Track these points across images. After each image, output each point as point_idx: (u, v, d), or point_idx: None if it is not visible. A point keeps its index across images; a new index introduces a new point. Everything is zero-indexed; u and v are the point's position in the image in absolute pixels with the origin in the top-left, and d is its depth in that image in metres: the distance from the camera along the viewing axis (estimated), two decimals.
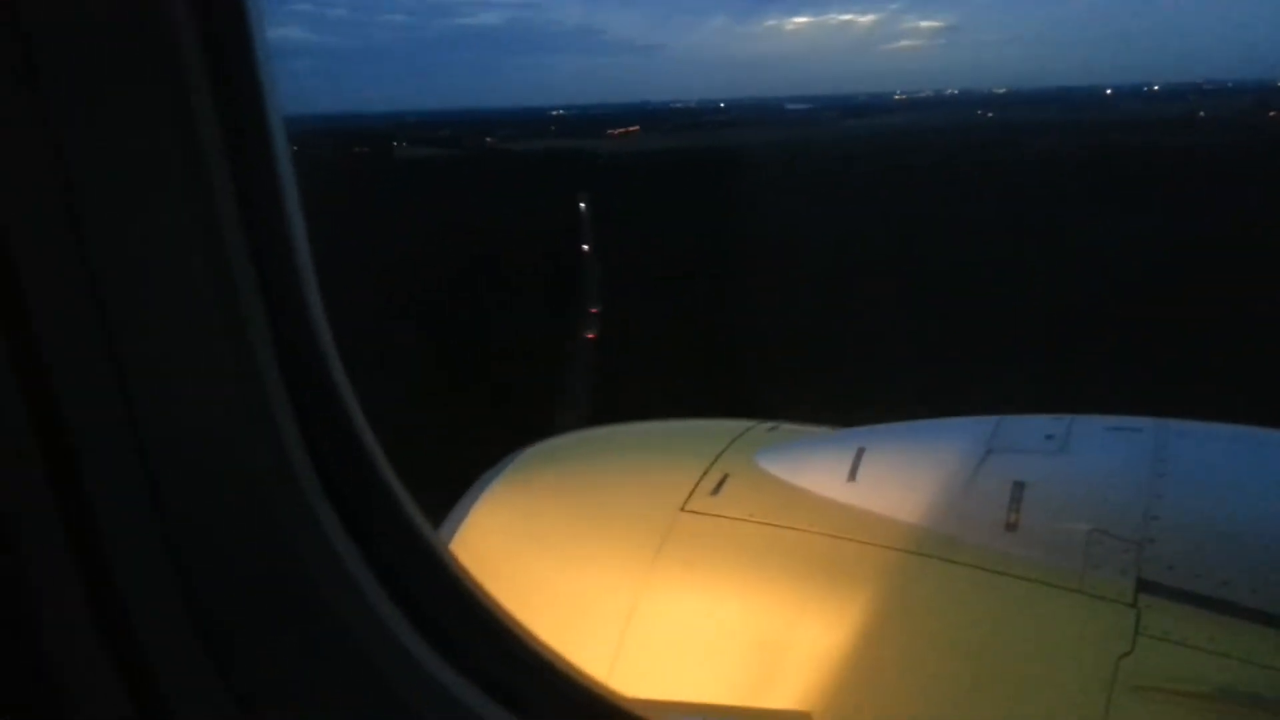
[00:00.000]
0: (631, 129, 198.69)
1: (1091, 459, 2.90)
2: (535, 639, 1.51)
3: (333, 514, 1.27)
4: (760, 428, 3.68)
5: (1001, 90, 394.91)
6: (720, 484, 3.15)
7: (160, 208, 1.10)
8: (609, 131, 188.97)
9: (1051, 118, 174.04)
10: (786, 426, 3.75)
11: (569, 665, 1.55)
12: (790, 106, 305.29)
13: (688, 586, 2.92)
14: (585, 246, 54.96)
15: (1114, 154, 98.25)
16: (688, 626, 2.87)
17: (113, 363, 1.11)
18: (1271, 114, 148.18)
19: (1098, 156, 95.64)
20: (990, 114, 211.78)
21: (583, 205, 69.55)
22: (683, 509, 3.08)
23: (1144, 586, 2.47)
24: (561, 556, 3.18)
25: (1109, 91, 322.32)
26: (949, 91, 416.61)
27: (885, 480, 3.00)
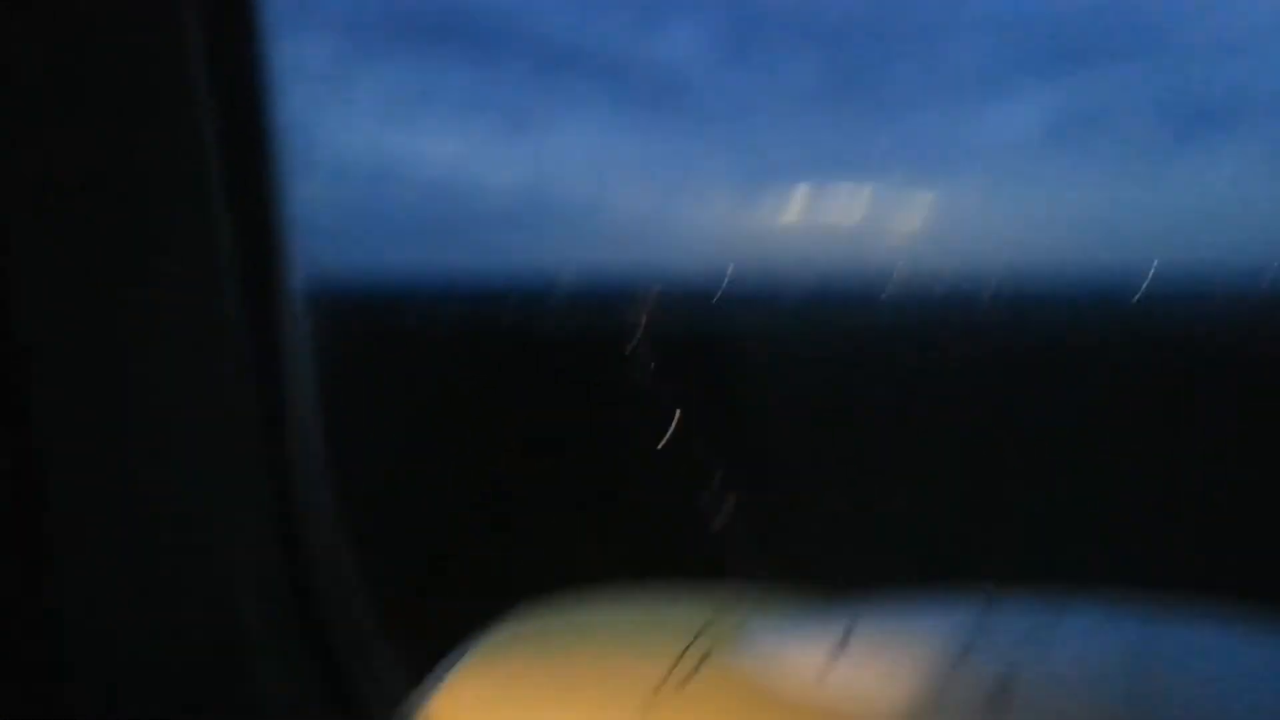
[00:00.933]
0: (644, 302, 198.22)
1: (1081, 649, 2.88)
2: None
3: (315, 683, 1.30)
4: (749, 595, 3.68)
5: (997, 272, 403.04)
6: (704, 659, 3.08)
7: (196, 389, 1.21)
8: (620, 305, 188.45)
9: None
10: (775, 593, 3.74)
11: None
12: (792, 288, 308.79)
13: None
14: None
15: None
16: None
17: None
18: None
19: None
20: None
21: None
22: (664, 686, 2.98)
23: None
24: None
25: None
26: (944, 273, 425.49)
27: (871, 662, 2.97)
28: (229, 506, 1.21)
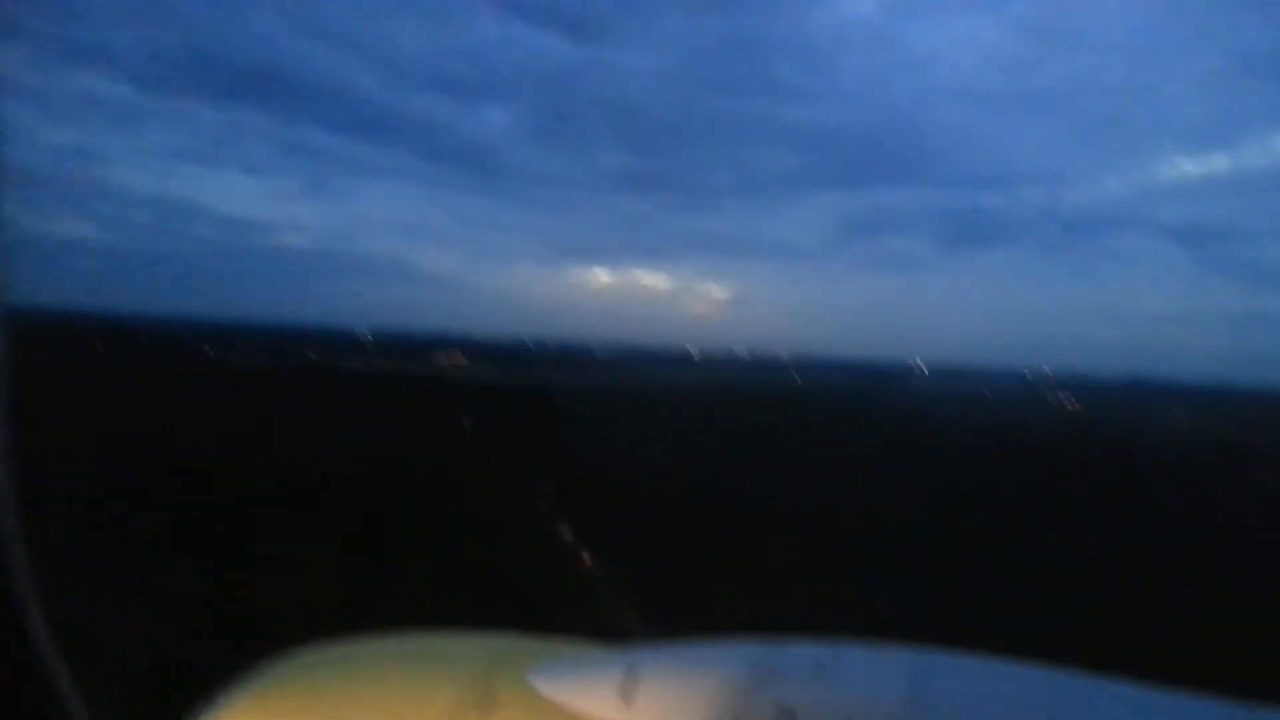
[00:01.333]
0: (456, 357, 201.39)
1: (856, 687, 2.97)
2: None
3: None
4: (532, 643, 3.60)
5: (785, 356, 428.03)
6: (489, 705, 3.03)
7: None
8: (438, 358, 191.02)
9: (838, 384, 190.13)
10: (558, 642, 3.67)
11: None
12: (599, 353, 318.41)
13: None
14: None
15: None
16: None
17: None
18: (1049, 397, 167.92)
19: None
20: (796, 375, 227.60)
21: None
22: None
23: None
24: None
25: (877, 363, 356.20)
26: (738, 352, 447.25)
27: (659, 704, 2.97)
28: None
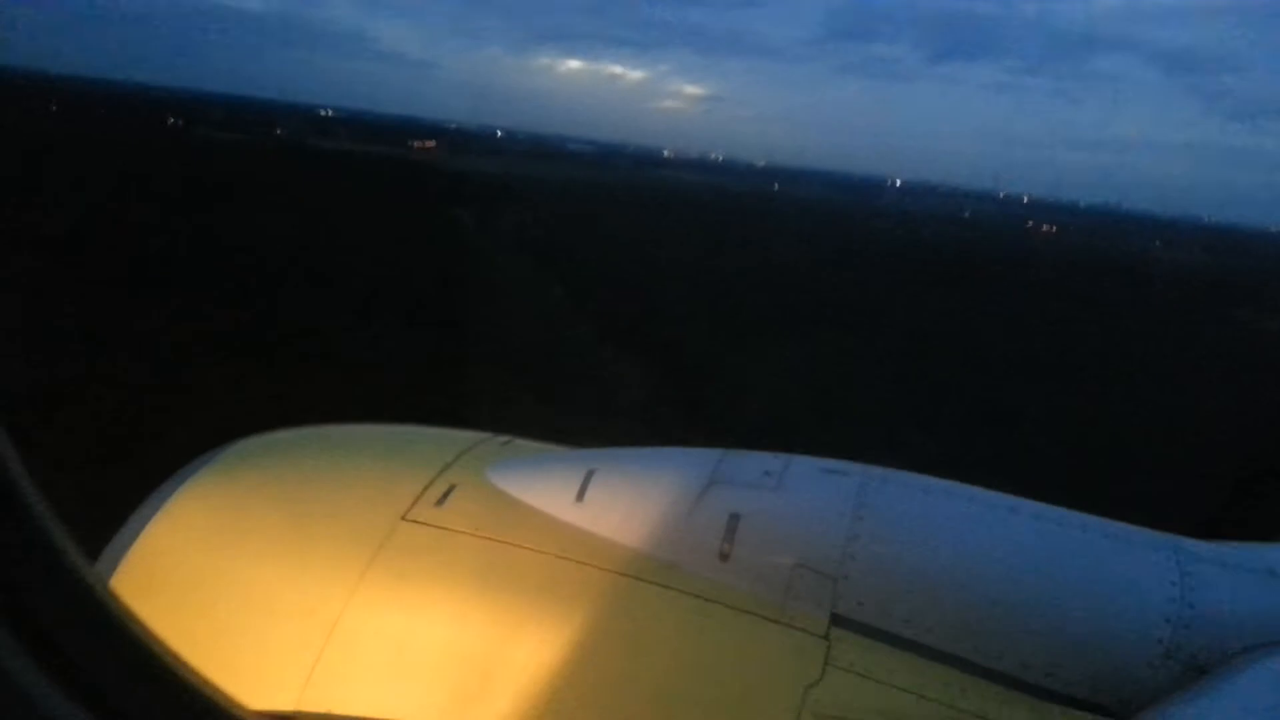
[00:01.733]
0: (429, 143, 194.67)
1: (802, 497, 3.00)
2: (208, 688, 1.45)
3: None
4: (494, 441, 3.59)
5: (761, 163, 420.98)
6: (446, 495, 3.06)
7: None
8: (412, 143, 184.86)
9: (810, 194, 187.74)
10: (520, 442, 3.68)
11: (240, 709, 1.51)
12: (572, 147, 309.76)
13: (401, 598, 2.81)
14: None
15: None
16: (396, 640, 2.77)
17: None
18: (1029, 224, 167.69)
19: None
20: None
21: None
22: (404, 518, 2.95)
23: (836, 620, 2.66)
24: (265, 560, 2.91)
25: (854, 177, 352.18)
26: (713, 156, 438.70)
27: (611, 504, 3.02)
28: None
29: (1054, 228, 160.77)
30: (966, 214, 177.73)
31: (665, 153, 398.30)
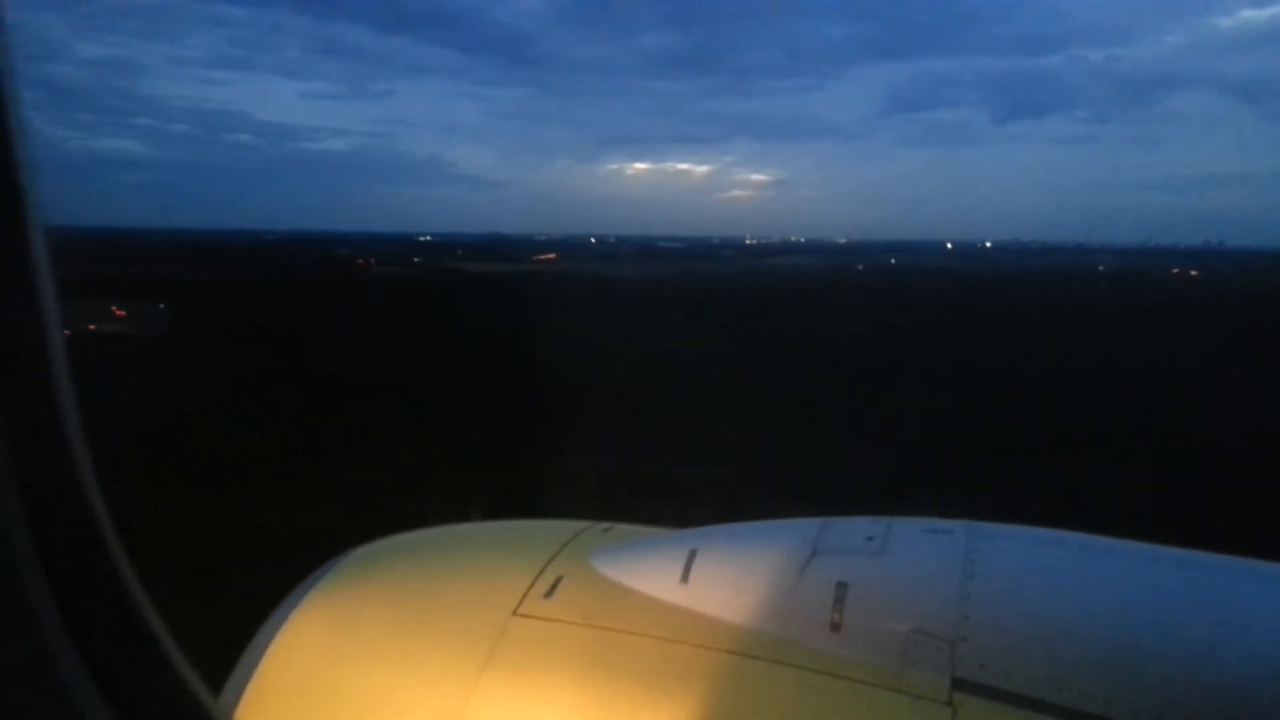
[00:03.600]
0: (550, 255, 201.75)
1: (909, 560, 2.98)
2: None
3: (101, 705, 1.15)
4: (595, 528, 3.66)
5: (843, 240, 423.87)
6: (554, 587, 3.11)
7: None
8: (535, 257, 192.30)
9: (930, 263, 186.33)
10: (622, 527, 3.73)
11: None
12: (663, 245, 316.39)
13: (519, 692, 2.84)
14: None
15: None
16: None
17: None
18: (1174, 271, 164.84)
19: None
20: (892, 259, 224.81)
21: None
22: (515, 613, 3.02)
23: (958, 685, 2.58)
24: (386, 665, 3.00)
25: (949, 245, 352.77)
26: (794, 239, 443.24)
27: (716, 582, 3.02)
28: None
29: (1196, 272, 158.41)
30: (1101, 268, 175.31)
31: (747, 239, 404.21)
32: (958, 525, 3.14)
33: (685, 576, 3.04)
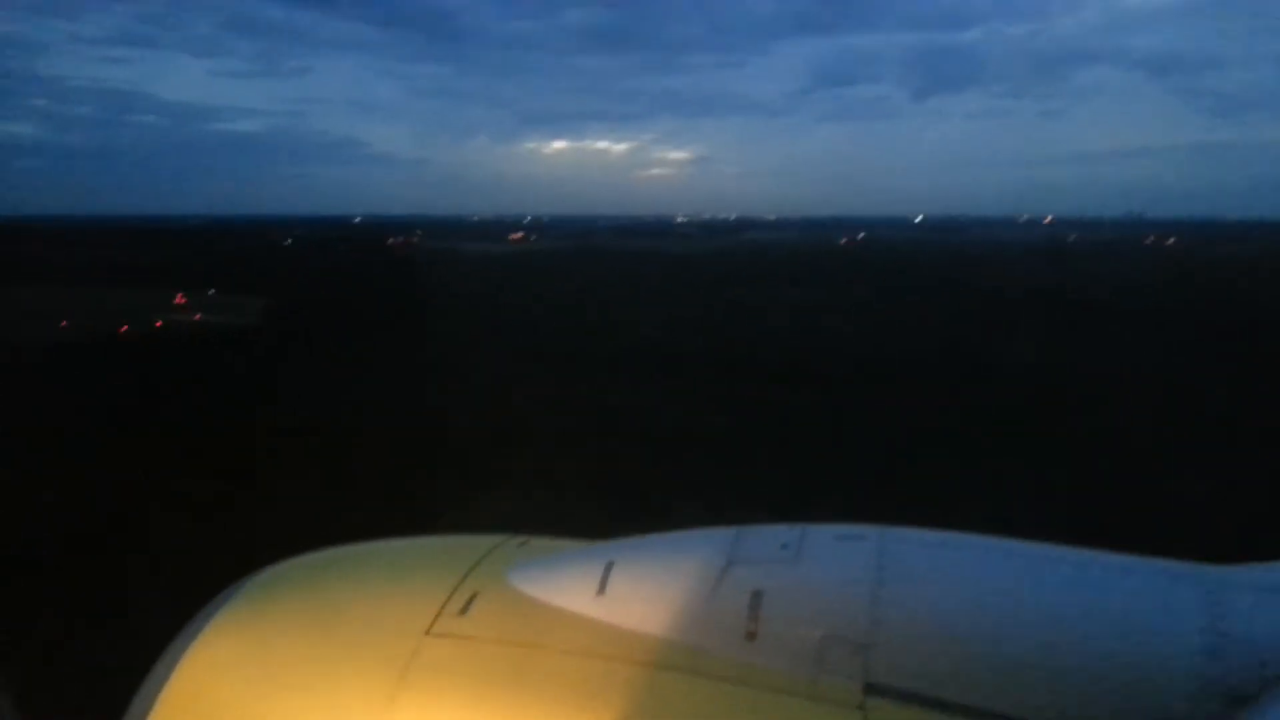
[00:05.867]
0: (518, 235, 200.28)
1: (822, 566, 2.99)
2: None
3: None
4: (511, 542, 3.60)
5: (772, 217, 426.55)
6: (469, 604, 3.09)
7: None
8: (510, 236, 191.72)
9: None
10: (537, 540, 3.66)
11: None
12: (603, 224, 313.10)
13: (434, 714, 2.80)
14: None
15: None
16: None
17: None
18: (1149, 239, 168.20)
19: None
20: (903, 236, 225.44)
21: None
22: (428, 632, 2.99)
23: (870, 689, 2.63)
24: (296, 689, 2.96)
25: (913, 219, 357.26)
26: (724, 216, 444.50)
27: (633, 595, 3.03)
28: None
29: (1172, 239, 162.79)
30: (1071, 239, 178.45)
31: (678, 218, 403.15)
32: (871, 531, 3.15)
33: (602, 589, 3.03)
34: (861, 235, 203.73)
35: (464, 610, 3.03)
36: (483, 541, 3.57)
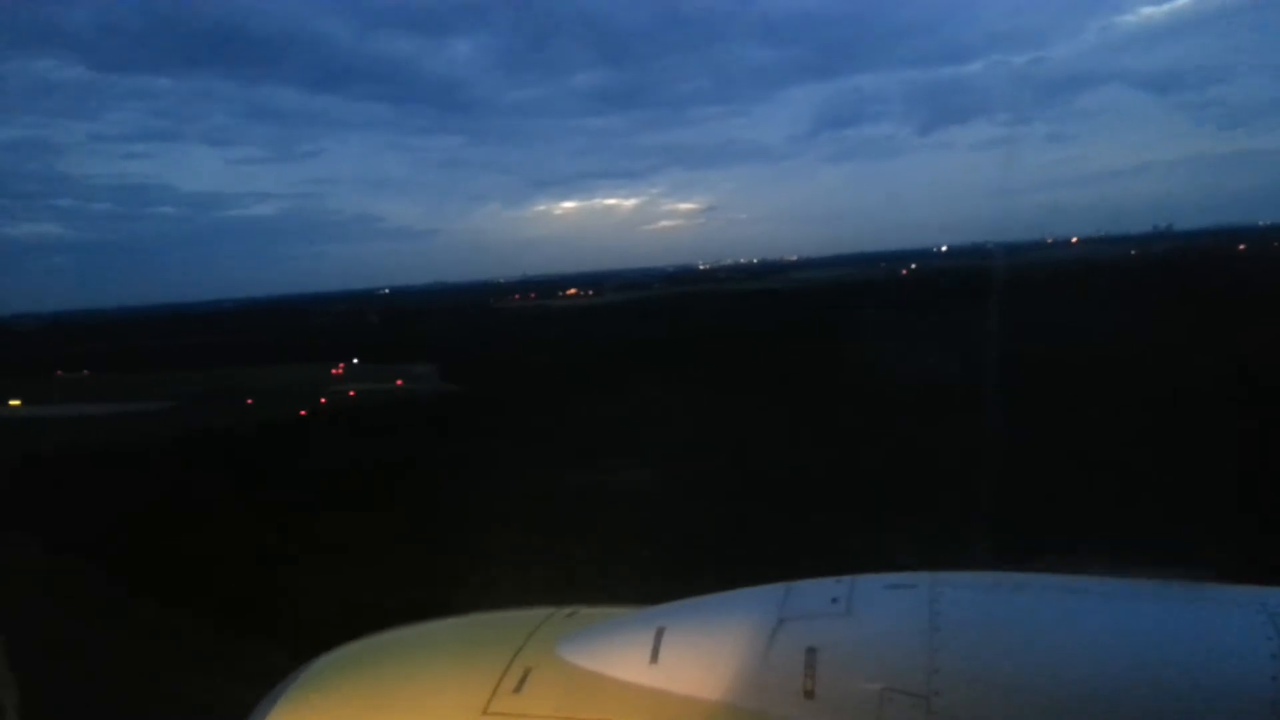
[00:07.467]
0: (570, 290, 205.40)
1: (875, 618, 2.93)
2: None
3: None
4: (560, 613, 3.62)
5: (794, 258, 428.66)
6: (523, 680, 3.08)
7: None
8: (561, 293, 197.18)
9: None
10: (585, 610, 3.66)
11: None
12: (629, 277, 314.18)
13: None
14: None
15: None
16: None
17: None
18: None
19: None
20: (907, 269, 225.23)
21: None
22: (485, 711, 2.98)
23: None
24: None
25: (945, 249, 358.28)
26: (744, 260, 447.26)
27: (687, 660, 2.98)
28: None
29: (1243, 246, 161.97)
30: (1133, 252, 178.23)
31: (700, 265, 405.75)
32: (920, 578, 3.08)
33: (654, 657, 3.00)
34: (914, 265, 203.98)
35: (518, 688, 3.01)
36: (532, 615, 3.56)
